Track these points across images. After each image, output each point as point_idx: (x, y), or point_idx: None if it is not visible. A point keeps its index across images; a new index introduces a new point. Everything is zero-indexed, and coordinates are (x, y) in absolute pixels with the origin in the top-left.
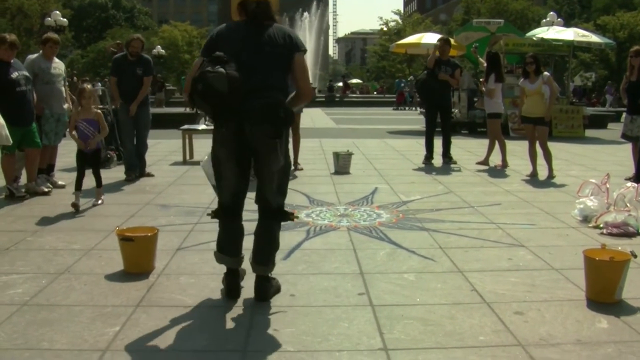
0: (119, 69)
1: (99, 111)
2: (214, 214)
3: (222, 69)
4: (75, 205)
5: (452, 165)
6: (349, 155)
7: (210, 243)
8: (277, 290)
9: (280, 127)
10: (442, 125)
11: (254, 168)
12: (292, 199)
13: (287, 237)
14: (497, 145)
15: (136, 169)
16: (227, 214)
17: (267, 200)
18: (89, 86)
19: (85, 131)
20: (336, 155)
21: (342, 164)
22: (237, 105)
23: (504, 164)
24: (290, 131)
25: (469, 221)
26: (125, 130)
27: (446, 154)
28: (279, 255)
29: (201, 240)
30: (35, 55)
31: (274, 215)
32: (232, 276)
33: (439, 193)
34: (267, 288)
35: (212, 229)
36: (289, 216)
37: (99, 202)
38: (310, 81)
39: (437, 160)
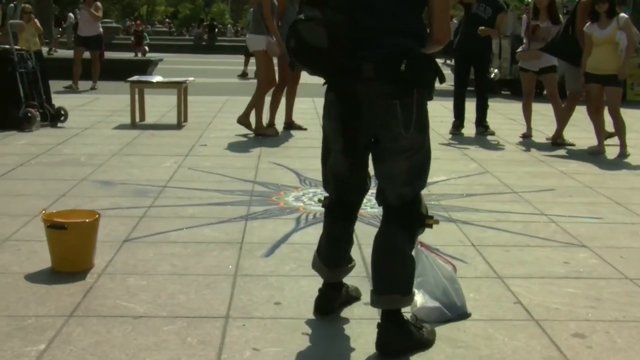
0: None
1: None
2: (325, 202)
3: (318, 13)
4: None
5: (489, 137)
6: None
7: (169, 233)
8: (421, 342)
9: (401, 86)
10: (475, 83)
11: (372, 149)
12: (277, 177)
13: (271, 226)
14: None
15: None
16: (332, 210)
17: (385, 194)
18: None
19: None
20: None
21: None
22: (344, 60)
23: (558, 135)
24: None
25: (511, 211)
26: None
27: (481, 122)
28: (259, 251)
29: (156, 229)
30: None
31: (397, 215)
32: (326, 289)
33: (471, 173)
34: (391, 334)
35: (170, 214)
36: (423, 219)
37: None
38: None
39: (469, 130)
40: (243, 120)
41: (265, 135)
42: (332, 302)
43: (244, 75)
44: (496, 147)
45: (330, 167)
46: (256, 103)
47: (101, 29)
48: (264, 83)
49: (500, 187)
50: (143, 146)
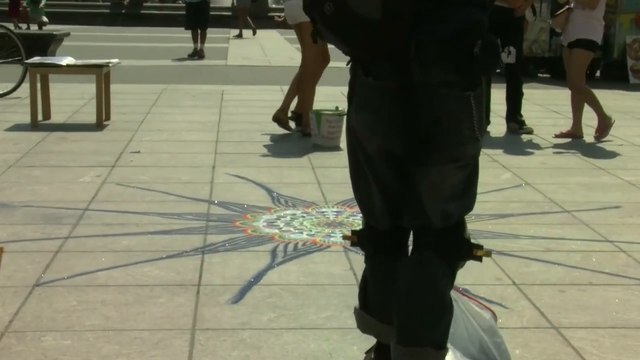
0: None
1: None
2: (357, 238)
3: None
4: None
5: (525, 137)
6: (339, 117)
7: (96, 273)
8: None
9: (473, 73)
10: (505, 64)
11: (413, 152)
12: (241, 194)
13: (237, 262)
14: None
15: None
16: (382, 243)
17: (423, 210)
18: None
19: None
20: (317, 117)
21: (327, 132)
22: (399, 37)
23: (577, 131)
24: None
25: (564, 237)
26: None
27: (514, 116)
28: (224, 295)
29: (79, 268)
30: None
31: (437, 241)
32: (383, 356)
33: (504, 186)
34: None
35: (96, 247)
36: (469, 249)
37: None
38: None
39: (498, 127)
40: (280, 115)
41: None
42: None
43: (196, 54)
44: (536, 150)
45: (370, 181)
46: (307, 90)
47: None
48: (311, 62)
49: (545, 204)
50: (51, 154)
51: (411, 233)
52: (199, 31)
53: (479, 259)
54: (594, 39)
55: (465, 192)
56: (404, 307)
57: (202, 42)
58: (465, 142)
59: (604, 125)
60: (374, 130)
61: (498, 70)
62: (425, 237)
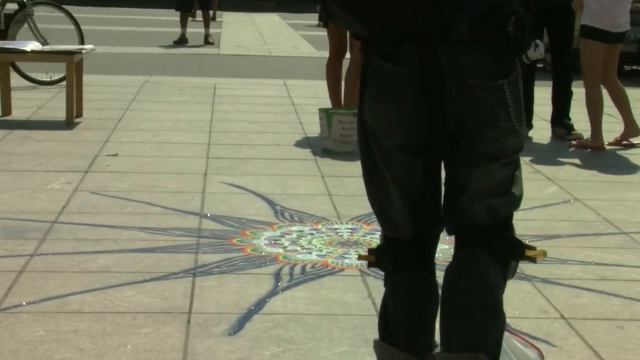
0: None
1: None
2: (375, 257)
3: None
4: None
5: (574, 143)
6: (354, 117)
7: (68, 298)
8: None
9: (507, 55)
10: (553, 56)
11: (448, 151)
12: (239, 206)
13: (234, 287)
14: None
15: None
16: (396, 257)
17: (467, 212)
18: None
19: None
20: (327, 117)
21: (340, 135)
22: (424, 18)
23: (631, 133)
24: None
25: (621, 263)
26: None
27: (561, 119)
28: (219, 326)
29: (47, 291)
30: None
31: (486, 239)
32: None
33: (549, 202)
34: None
35: (67, 266)
36: (521, 249)
37: None
38: None
39: (541, 132)
40: None
41: None
42: None
43: (184, 40)
44: (587, 159)
45: (392, 183)
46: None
47: None
48: (356, 60)
49: (599, 224)
50: (12, 157)
51: (438, 245)
52: (202, 12)
53: (533, 260)
54: (597, 27)
55: (512, 187)
56: (454, 307)
57: (207, 25)
58: (504, 135)
59: (593, 141)
60: (392, 121)
61: (541, 65)
62: (472, 236)
